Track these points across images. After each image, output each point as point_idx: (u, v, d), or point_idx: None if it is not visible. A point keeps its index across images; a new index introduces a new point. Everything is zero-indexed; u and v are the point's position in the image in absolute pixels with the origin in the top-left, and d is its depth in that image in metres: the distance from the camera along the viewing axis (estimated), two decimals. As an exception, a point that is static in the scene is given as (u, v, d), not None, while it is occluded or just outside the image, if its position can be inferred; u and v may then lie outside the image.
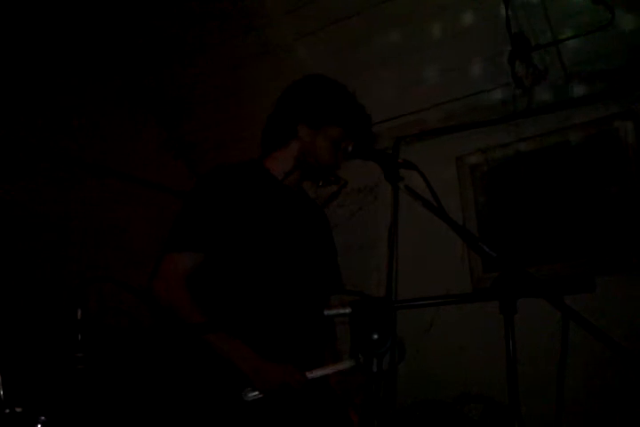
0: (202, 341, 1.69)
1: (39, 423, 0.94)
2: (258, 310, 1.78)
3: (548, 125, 2.79)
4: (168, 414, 1.61)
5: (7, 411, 0.95)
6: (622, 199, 2.60)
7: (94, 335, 1.21)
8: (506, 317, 1.37)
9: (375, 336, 1.10)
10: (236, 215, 1.84)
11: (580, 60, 2.76)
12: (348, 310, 1.15)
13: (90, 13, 3.54)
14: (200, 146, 4.20)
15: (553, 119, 2.78)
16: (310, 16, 3.37)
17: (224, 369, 1.66)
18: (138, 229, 3.58)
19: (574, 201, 2.71)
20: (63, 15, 3.47)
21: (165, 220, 2.22)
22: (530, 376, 1.82)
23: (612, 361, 1.59)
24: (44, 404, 0.99)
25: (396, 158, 1.76)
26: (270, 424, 1.63)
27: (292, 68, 3.53)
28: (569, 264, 2.59)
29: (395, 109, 3.28)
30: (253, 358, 1.66)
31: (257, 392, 1.61)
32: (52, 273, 2.98)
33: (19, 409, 0.95)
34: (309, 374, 1.63)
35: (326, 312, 1.17)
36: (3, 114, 3.21)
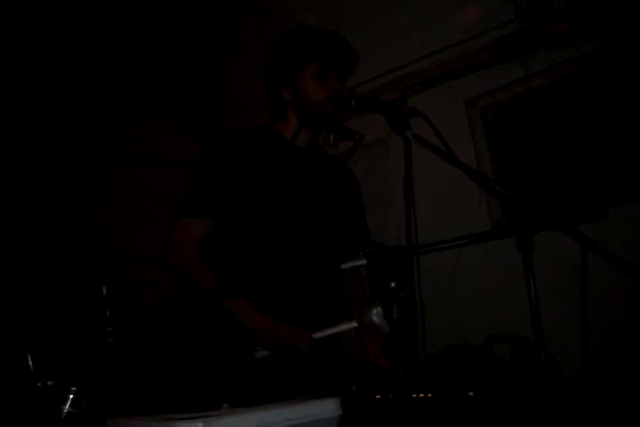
0: (215, 303, 1.75)
1: (71, 393, 0.98)
2: (269, 272, 1.83)
3: (556, 58, 2.71)
4: (187, 373, 1.68)
5: (39, 384, 1.00)
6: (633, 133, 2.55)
7: (122, 310, 1.25)
8: (524, 253, 1.37)
9: (393, 284, 1.11)
10: (246, 179, 1.86)
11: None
12: (363, 262, 1.17)
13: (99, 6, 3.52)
14: (210, 119, 4.20)
15: (561, 51, 2.69)
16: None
17: (237, 329, 1.74)
18: (154, 204, 3.63)
19: (588, 133, 2.66)
20: (76, 10, 3.46)
21: (181, 194, 2.25)
22: (553, 310, 1.84)
23: (633, 287, 1.59)
24: (74, 376, 1.04)
25: (402, 107, 1.74)
26: (277, 380, 1.70)
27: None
28: (585, 197, 2.57)
29: (398, 59, 3.23)
30: (261, 318, 1.72)
31: (266, 351, 1.69)
32: (73, 250, 3.06)
33: (50, 382, 1.00)
34: (315, 335, 1.69)
35: (343, 266, 1.19)
36: (23, 103, 3.26)
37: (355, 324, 1.71)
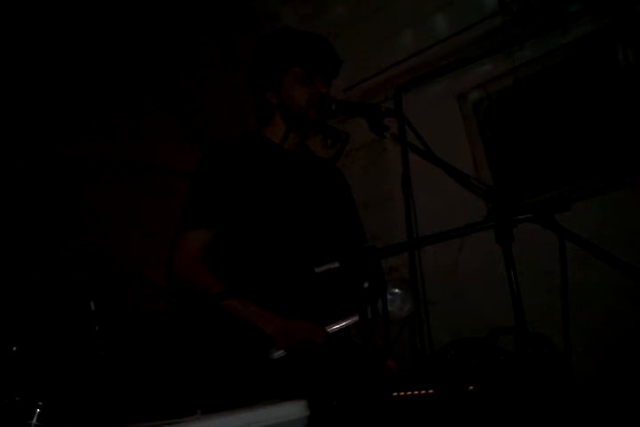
0: (222, 310, 1.77)
1: (37, 408, 1.02)
2: (272, 274, 1.84)
3: (542, 48, 2.71)
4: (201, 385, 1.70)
5: (6, 400, 1.04)
6: (622, 117, 2.55)
7: (112, 324, 1.29)
8: (504, 246, 1.39)
9: (366, 285, 1.14)
10: (241, 186, 1.89)
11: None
12: (336, 265, 1.19)
13: (96, 16, 3.60)
14: (211, 127, 4.25)
15: (546, 41, 2.69)
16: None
17: (248, 333, 1.74)
18: (162, 216, 3.67)
19: (578, 121, 2.66)
20: (76, 17, 3.53)
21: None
22: (541, 299, 1.85)
23: (608, 274, 1.60)
24: (44, 391, 1.07)
25: (379, 109, 1.76)
26: (298, 379, 1.70)
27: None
28: (572, 187, 2.57)
29: (389, 59, 3.25)
30: (273, 318, 1.73)
31: (282, 351, 1.68)
32: (74, 263, 3.10)
33: (17, 398, 1.03)
34: (329, 329, 1.70)
35: (316, 269, 1.21)
36: (29, 123, 3.34)
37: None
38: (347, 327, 1.78)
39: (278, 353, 1.69)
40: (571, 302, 1.33)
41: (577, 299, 1.42)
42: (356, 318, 1.74)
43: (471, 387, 1.51)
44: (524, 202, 1.39)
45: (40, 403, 1.02)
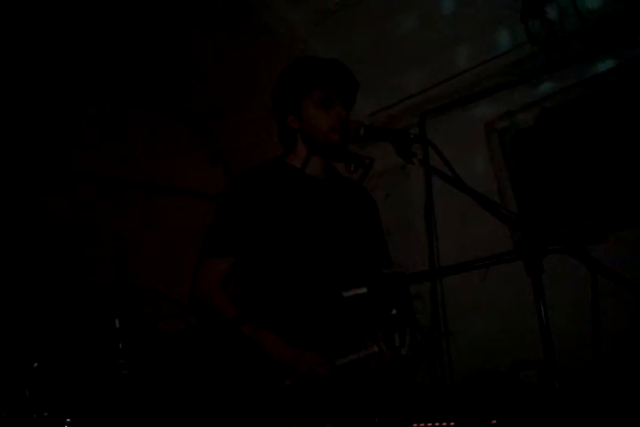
0: (240, 335, 1.77)
1: (66, 425, 1.01)
2: (289, 303, 1.86)
3: (570, 79, 2.71)
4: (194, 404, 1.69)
5: (35, 416, 1.04)
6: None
7: (136, 342, 1.28)
8: (533, 277, 1.36)
9: (394, 311, 1.12)
10: (263, 215, 1.92)
11: (595, 5, 2.67)
12: (364, 290, 1.18)
13: (114, 28, 3.67)
14: (234, 149, 4.28)
15: (574, 72, 2.69)
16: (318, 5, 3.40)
17: (267, 359, 1.75)
18: (186, 238, 3.69)
19: (604, 153, 2.63)
20: (92, 29, 3.61)
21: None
22: (568, 333, 1.81)
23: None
24: (71, 407, 1.06)
25: (407, 135, 1.76)
26: (304, 408, 1.69)
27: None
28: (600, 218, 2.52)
29: (417, 85, 3.27)
30: (284, 348, 1.75)
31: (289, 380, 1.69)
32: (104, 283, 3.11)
33: (46, 413, 1.03)
34: (338, 362, 1.69)
35: (344, 294, 1.20)
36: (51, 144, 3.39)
37: (376, 349, 1.70)
38: (365, 361, 1.77)
39: (287, 382, 1.70)
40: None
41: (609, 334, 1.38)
42: (366, 352, 1.73)
43: (494, 421, 1.48)
44: (557, 232, 1.37)
45: (68, 420, 1.02)
